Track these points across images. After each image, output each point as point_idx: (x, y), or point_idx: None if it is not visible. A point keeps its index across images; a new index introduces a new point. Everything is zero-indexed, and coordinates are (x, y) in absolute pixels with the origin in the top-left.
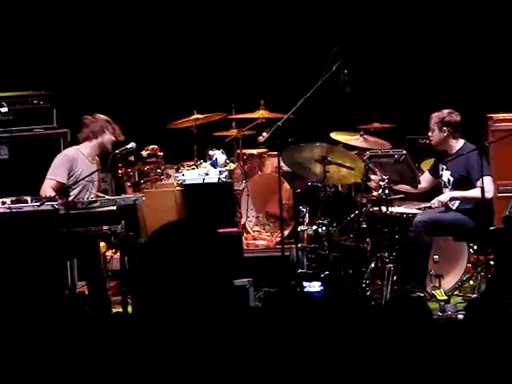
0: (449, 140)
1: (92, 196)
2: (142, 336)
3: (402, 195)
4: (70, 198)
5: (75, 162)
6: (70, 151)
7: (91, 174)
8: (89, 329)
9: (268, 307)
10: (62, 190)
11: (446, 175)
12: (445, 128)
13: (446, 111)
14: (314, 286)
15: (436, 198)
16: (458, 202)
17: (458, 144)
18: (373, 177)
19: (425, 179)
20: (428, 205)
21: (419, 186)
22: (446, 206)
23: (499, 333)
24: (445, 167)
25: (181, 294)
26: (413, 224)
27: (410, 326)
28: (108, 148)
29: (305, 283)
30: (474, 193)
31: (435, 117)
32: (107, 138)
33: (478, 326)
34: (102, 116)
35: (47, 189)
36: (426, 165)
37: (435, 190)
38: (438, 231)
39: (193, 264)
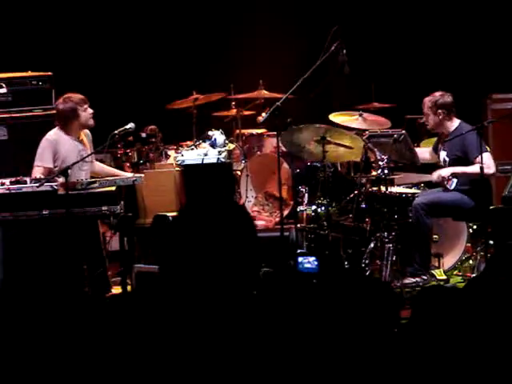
0: (444, 122)
1: (84, 173)
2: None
3: (401, 175)
4: (63, 179)
5: (58, 144)
6: (51, 134)
7: (87, 156)
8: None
9: (265, 287)
10: (52, 174)
11: (443, 155)
12: (439, 111)
13: (437, 94)
14: (309, 262)
15: (437, 171)
16: (455, 182)
17: (453, 124)
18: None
19: (429, 152)
20: (429, 178)
21: (421, 156)
22: (444, 187)
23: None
24: (442, 147)
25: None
26: (412, 206)
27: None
28: (89, 124)
29: (299, 258)
30: (475, 168)
31: (428, 101)
32: (83, 117)
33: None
34: (73, 96)
35: (37, 176)
36: (426, 144)
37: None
38: (438, 212)
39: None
